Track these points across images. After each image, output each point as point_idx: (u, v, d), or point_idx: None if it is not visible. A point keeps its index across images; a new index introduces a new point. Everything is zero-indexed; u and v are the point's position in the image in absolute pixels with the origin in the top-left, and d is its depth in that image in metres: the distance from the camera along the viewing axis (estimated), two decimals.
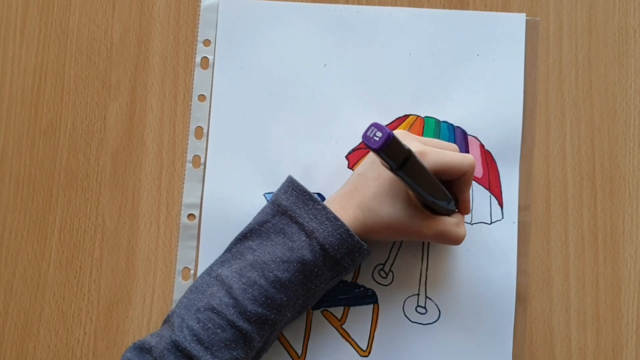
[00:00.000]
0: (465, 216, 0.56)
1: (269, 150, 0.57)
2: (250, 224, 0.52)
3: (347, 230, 0.49)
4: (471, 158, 0.50)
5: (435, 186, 0.48)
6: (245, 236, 0.52)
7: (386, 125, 0.50)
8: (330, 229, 0.49)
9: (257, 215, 0.52)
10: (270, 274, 0.48)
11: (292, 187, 0.52)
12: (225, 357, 0.47)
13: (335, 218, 0.49)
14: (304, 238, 0.49)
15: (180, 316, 0.48)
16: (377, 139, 0.41)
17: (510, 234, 0.56)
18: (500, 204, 0.56)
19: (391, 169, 0.44)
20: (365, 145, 0.42)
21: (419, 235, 0.50)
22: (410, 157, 0.44)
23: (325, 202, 0.51)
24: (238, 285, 0.48)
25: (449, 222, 0.51)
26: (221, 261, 0.52)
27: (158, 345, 0.47)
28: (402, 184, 0.49)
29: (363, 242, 0.50)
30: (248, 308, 0.48)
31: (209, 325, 0.47)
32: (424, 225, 0.50)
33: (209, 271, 0.51)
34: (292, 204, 0.51)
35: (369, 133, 0.42)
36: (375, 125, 0.42)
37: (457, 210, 0.52)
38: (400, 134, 0.51)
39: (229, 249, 0.52)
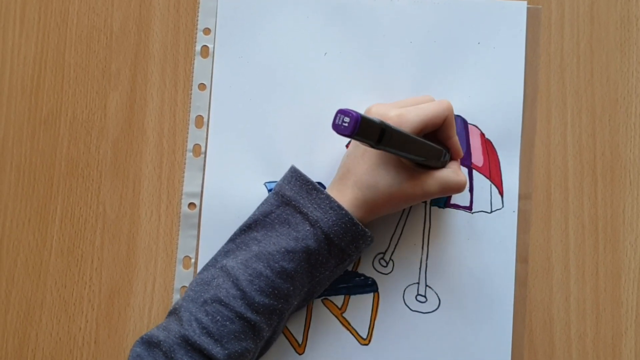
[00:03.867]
0: (466, 206, 0.56)
1: (269, 139, 0.57)
2: (254, 214, 0.52)
3: (352, 219, 0.49)
4: (447, 102, 0.50)
5: (421, 145, 0.48)
6: (249, 227, 0.52)
7: None
8: (334, 218, 0.49)
9: (260, 205, 0.52)
10: (276, 264, 0.49)
11: (295, 177, 0.52)
12: (235, 349, 0.47)
13: (339, 207, 0.49)
14: (308, 228, 0.49)
15: (188, 310, 0.48)
16: (346, 124, 0.41)
17: (511, 223, 0.56)
18: (501, 193, 0.56)
19: (372, 147, 0.44)
20: (338, 134, 0.42)
21: (424, 194, 0.50)
22: (386, 129, 0.43)
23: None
24: (244, 277, 0.48)
25: (447, 173, 0.51)
26: (225, 252, 0.52)
27: (167, 339, 0.47)
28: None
29: (367, 230, 0.50)
30: (255, 299, 0.48)
31: (218, 317, 0.47)
32: (424, 184, 0.50)
33: (214, 262, 0.51)
34: (296, 194, 0.51)
35: (337, 121, 0.41)
36: (341, 112, 0.41)
37: (449, 159, 0.52)
38: (373, 107, 0.51)
39: (232, 240, 0.52)
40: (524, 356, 0.55)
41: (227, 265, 0.49)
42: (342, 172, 0.52)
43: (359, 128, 0.41)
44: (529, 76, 0.57)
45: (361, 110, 0.49)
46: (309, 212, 0.50)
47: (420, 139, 0.48)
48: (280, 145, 0.57)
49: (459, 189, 0.51)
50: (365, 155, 0.50)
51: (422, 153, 0.48)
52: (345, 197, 0.50)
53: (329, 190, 0.51)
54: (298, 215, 0.50)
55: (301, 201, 0.50)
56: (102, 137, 0.58)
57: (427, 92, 0.57)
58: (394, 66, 0.57)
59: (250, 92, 0.57)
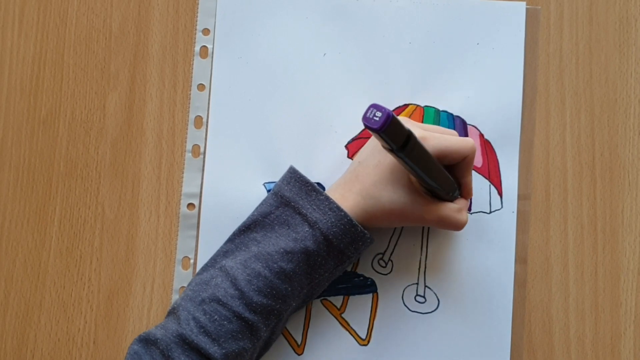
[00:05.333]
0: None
1: (268, 140, 0.57)
2: (253, 215, 0.52)
3: (350, 220, 0.49)
4: (472, 142, 0.50)
5: (437, 170, 0.48)
6: (249, 227, 0.52)
7: None
8: (333, 219, 0.49)
9: (259, 206, 0.52)
10: (275, 265, 0.49)
11: (294, 177, 0.52)
12: (232, 348, 0.47)
13: (338, 208, 0.49)
14: (307, 229, 0.49)
15: (186, 309, 0.48)
16: (377, 119, 0.41)
17: (510, 223, 0.56)
18: (500, 193, 0.56)
19: (392, 151, 0.44)
20: (366, 127, 0.42)
21: (421, 220, 0.50)
22: (411, 138, 0.43)
23: (326, 192, 0.51)
24: (243, 277, 0.48)
25: (451, 208, 0.50)
26: (224, 252, 0.52)
27: (164, 337, 0.47)
28: (403, 170, 0.49)
29: (366, 231, 0.50)
30: (253, 299, 0.48)
31: (215, 317, 0.47)
32: (425, 210, 0.50)
33: (213, 262, 0.51)
34: (295, 195, 0.51)
35: (368, 114, 0.42)
36: (374, 106, 0.41)
37: (459, 195, 0.52)
38: (400, 120, 0.51)
39: (231, 240, 0.52)
40: (523, 357, 0.55)
41: (226, 265, 0.50)
42: (350, 177, 0.51)
43: (389, 125, 0.41)
44: (528, 77, 0.57)
45: None
46: (308, 213, 0.50)
47: (439, 165, 0.48)
48: (279, 145, 0.57)
49: (456, 227, 0.51)
50: (378, 167, 0.50)
51: (436, 177, 0.48)
52: (347, 202, 0.50)
53: (331, 192, 0.51)
54: (297, 216, 0.50)
55: (300, 202, 0.50)
56: (101, 137, 0.58)
57: (426, 92, 0.57)
58: (393, 67, 0.57)
59: (250, 92, 0.57)
